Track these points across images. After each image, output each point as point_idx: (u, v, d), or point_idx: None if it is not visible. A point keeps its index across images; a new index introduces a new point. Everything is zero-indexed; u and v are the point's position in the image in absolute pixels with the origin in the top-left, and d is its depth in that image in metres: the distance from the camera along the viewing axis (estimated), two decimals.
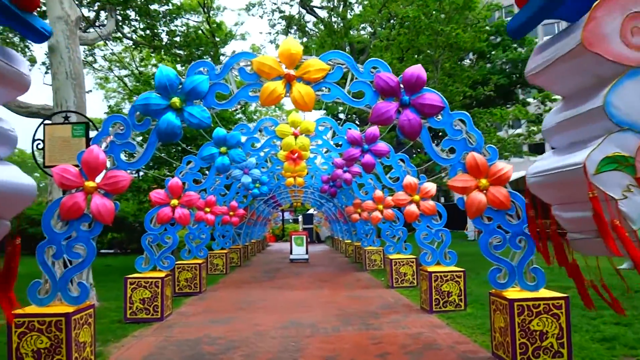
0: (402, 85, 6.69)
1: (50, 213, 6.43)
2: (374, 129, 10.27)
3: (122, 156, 6.78)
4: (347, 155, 10.21)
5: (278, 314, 10.22)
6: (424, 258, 9.98)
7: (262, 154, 13.96)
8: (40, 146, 7.90)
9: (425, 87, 6.70)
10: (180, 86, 6.61)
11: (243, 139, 10.68)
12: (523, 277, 6.44)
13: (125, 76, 28.92)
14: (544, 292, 6.36)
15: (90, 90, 24.42)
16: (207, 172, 11.39)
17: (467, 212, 6.58)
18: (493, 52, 39.38)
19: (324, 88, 6.76)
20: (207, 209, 13.93)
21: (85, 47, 22.90)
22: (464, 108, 17.35)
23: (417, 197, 10.16)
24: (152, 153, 6.71)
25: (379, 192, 13.95)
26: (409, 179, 10.19)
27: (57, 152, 7.92)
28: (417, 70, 6.66)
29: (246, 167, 13.87)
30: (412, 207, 10.08)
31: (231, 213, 18.53)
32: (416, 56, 20.94)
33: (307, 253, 23.80)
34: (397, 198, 10.15)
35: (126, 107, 30.07)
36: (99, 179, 6.50)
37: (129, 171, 6.74)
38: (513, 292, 6.39)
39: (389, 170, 10.98)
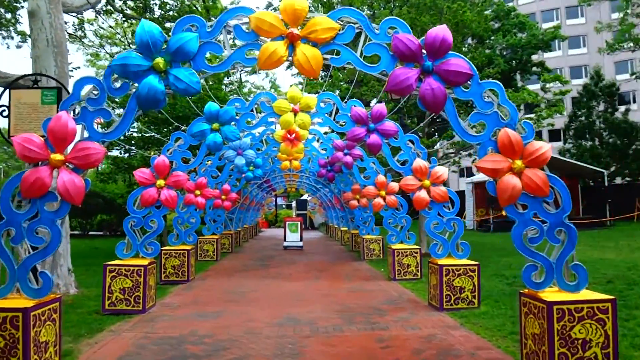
0: (424, 50, 5.72)
1: (9, 190, 5.44)
2: (380, 107, 9.32)
3: (96, 126, 5.77)
4: (351, 134, 9.25)
5: (272, 307, 9.31)
6: (434, 250, 9.07)
7: (257, 133, 13.01)
8: (5, 113, 6.90)
9: (451, 52, 5.73)
10: (165, 45, 5.61)
11: (237, 115, 9.70)
12: (562, 275, 5.51)
13: (117, 53, 27.73)
14: (586, 294, 5.45)
15: (79, 67, 23.19)
16: (197, 151, 10.40)
17: (498, 199, 5.64)
18: (492, 38, 38.36)
19: (333, 50, 5.77)
20: (198, 192, 12.97)
21: (75, 20, 21.76)
22: None
23: (427, 182, 9.21)
24: (131, 122, 5.73)
25: (381, 177, 13.02)
26: (419, 163, 9.24)
27: (25, 121, 6.95)
28: (441, 31, 5.67)
29: (240, 148, 12.88)
30: (422, 193, 9.14)
31: (223, 197, 17.60)
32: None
33: (301, 240, 22.91)
34: (406, 183, 9.20)
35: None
36: (67, 151, 5.51)
37: (103, 143, 5.75)
38: (551, 293, 5.47)
39: (396, 153, 10.00)
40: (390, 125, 9.27)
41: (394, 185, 12.93)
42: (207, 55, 6.08)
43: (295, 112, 9.20)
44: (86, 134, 5.70)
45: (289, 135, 12.78)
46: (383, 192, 12.94)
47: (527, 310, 5.67)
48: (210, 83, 18.91)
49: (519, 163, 5.54)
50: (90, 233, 33.09)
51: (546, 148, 5.57)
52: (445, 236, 9.09)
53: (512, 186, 5.47)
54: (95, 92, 5.68)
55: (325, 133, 14.10)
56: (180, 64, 5.64)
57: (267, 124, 9.47)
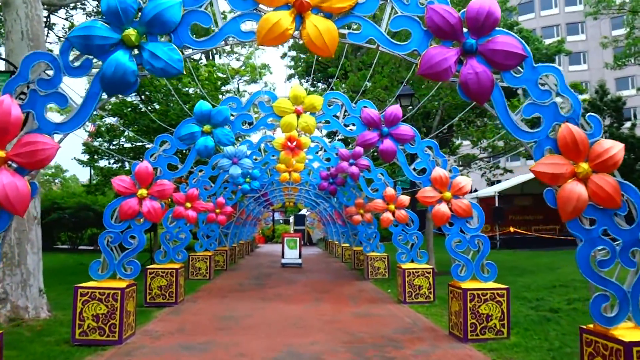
0: (465, 26, 4.59)
1: None
2: (395, 108, 8.20)
3: (49, 114, 4.60)
4: (361, 139, 8.11)
5: (269, 337, 8.09)
6: (456, 271, 7.89)
7: (254, 139, 11.86)
8: None
9: (498, 29, 4.60)
10: (139, 13, 4.46)
11: (232, 115, 8.53)
12: (638, 308, 4.34)
13: None
14: None
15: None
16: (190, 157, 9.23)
17: (560, 212, 4.51)
18: None
19: (351, 24, 4.64)
20: (188, 204, 11.77)
21: (60, 15, 20.55)
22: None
23: (448, 195, 8.05)
24: (93, 110, 4.56)
25: (390, 190, 11.86)
26: (439, 172, 8.06)
27: None
28: (487, 3, 4.60)
29: (235, 156, 11.72)
30: (442, 207, 7.96)
31: (217, 210, 16.42)
32: None
33: (300, 257, 21.67)
34: (425, 195, 8.01)
35: None
36: (9, 146, 4.34)
37: (56, 136, 4.58)
38: (627, 331, 4.29)
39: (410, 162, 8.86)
40: (406, 129, 8.14)
41: (404, 199, 11.77)
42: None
43: (298, 114, 8.06)
44: (36, 125, 4.50)
45: (289, 143, 11.64)
46: (392, 206, 11.77)
47: (593, 351, 4.48)
48: (206, 82, 17.73)
49: (584, 167, 4.39)
50: (80, 248, 31.90)
51: (618, 148, 4.44)
52: (469, 256, 7.93)
53: (577, 195, 4.33)
54: (49, 72, 4.51)
55: (330, 141, 12.95)
56: (158, 37, 4.47)
57: (266, 126, 8.21)
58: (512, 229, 25.19)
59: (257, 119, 8.22)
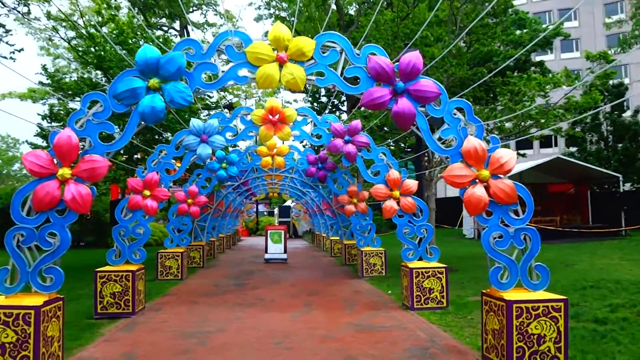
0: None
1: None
2: (413, 56, 6.12)
3: None
4: (368, 98, 5.97)
5: None
6: (496, 277, 5.84)
7: (227, 112, 9.71)
8: None
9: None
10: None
11: (191, 65, 6.39)
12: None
13: (74, 38, 24.10)
14: None
15: (23, 49, 19.60)
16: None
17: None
18: (490, 33, 35.48)
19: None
20: (147, 192, 9.59)
21: None
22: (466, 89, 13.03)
23: (485, 173, 5.92)
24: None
25: (394, 173, 9.75)
26: (473, 142, 5.90)
27: None
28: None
29: (204, 132, 9.58)
30: (478, 191, 5.84)
31: (189, 201, 14.26)
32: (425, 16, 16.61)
33: (285, 252, 19.60)
34: (453, 174, 5.86)
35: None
36: None
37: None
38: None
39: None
40: (427, 84, 5.98)
41: (411, 184, 9.69)
42: None
43: (281, 62, 5.90)
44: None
45: (270, 116, 9.49)
46: (397, 193, 9.66)
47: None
48: None
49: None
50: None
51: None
52: (512, 256, 5.89)
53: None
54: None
55: (319, 113, 10.81)
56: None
57: (237, 80, 5.84)
58: None
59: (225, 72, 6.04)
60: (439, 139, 6.10)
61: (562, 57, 61.99)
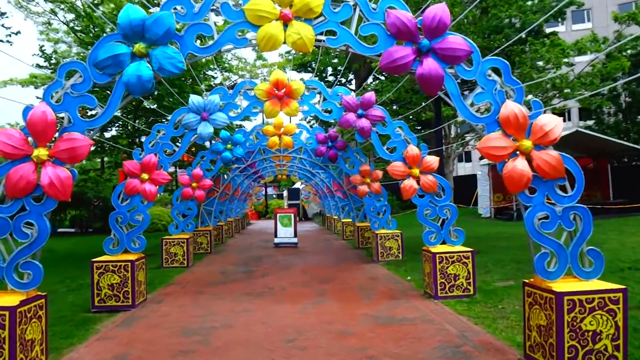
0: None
1: None
2: (439, 9, 5.23)
3: None
4: (387, 59, 5.11)
5: None
6: (542, 264, 5.03)
7: (229, 88, 8.91)
8: None
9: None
10: None
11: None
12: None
13: (72, 20, 23.21)
14: None
15: (19, 32, 18.87)
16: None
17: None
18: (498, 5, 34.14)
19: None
20: (145, 176, 8.83)
21: None
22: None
23: (527, 144, 5.04)
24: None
25: (413, 149, 8.92)
26: (512, 108, 4.99)
27: None
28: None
29: (205, 110, 8.78)
30: (520, 165, 4.98)
31: (194, 184, 13.51)
32: None
33: (295, 236, 18.88)
34: (490, 146, 4.98)
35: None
36: None
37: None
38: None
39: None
40: (456, 41, 5.13)
41: (432, 160, 8.87)
42: None
43: (285, 20, 5.07)
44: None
45: (276, 90, 8.67)
46: (416, 171, 8.84)
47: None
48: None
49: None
50: (60, 230, 29.16)
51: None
52: (561, 240, 5.08)
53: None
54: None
55: (330, 86, 9.96)
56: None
57: (234, 43, 4.99)
58: None
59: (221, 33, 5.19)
60: (472, 104, 5.25)
61: (573, 28, 60.39)
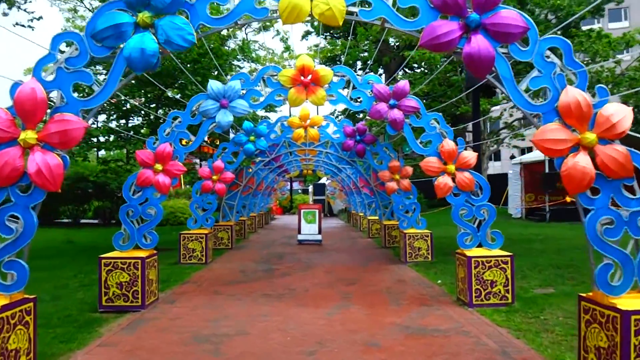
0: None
1: None
2: None
3: None
4: (429, 35, 4.40)
5: None
6: (605, 277, 4.28)
7: (250, 73, 8.28)
8: None
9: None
10: None
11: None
12: None
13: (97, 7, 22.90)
14: None
15: (41, 17, 18.58)
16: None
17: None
18: None
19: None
20: (159, 166, 8.25)
21: None
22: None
23: (590, 137, 4.29)
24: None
25: (449, 143, 8.17)
26: (574, 94, 4.23)
27: None
28: None
29: (224, 96, 8.15)
30: (582, 160, 4.23)
31: (215, 177, 12.96)
32: None
33: (320, 233, 18.23)
34: (547, 139, 4.21)
35: None
36: None
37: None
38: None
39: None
40: (510, 15, 4.41)
41: (469, 156, 8.11)
42: None
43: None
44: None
45: (302, 77, 8.00)
46: (452, 167, 8.10)
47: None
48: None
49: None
50: (83, 222, 29.12)
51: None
52: (627, 250, 4.31)
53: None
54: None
55: (359, 75, 9.24)
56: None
57: (253, 14, 4.36)
58: (568, 199, 21.35)
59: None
60: (527, 90, 4.50)
61: (609, 26, 58.51)
